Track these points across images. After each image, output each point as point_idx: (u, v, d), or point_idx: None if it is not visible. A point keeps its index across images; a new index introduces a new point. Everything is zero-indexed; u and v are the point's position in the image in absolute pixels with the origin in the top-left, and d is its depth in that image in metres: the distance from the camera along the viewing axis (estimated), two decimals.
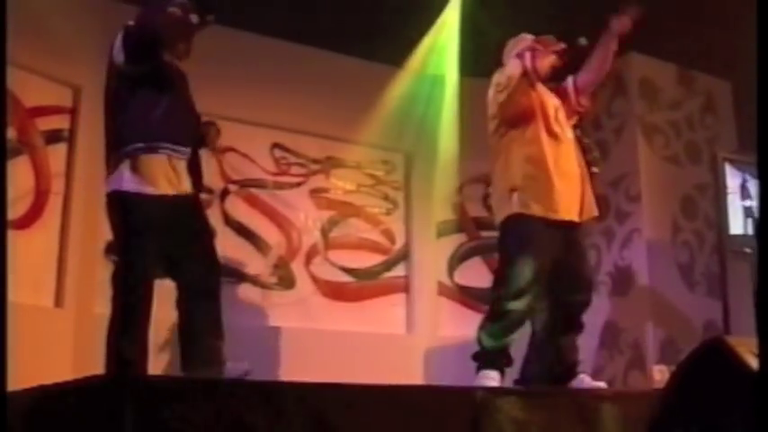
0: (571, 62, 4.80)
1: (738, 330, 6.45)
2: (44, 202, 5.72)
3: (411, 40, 6.81)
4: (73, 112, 5.99)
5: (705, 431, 2.26)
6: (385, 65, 7.10)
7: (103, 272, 5.96)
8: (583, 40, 4.70)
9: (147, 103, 4.06)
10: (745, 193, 6.84)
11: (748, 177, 6.85)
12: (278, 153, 6.87)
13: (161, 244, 3.97)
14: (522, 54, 4.75)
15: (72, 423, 2.90)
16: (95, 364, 4.70)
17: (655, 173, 7.08)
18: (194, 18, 4.12)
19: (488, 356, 4.50)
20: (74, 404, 2.93)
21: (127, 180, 3.95)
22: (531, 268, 4.38)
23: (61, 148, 5.91)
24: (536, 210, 4.45)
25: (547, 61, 4.73)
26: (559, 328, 4.55)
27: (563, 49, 4.76)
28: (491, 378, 4.37)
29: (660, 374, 6.25)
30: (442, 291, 7.32)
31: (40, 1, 5.43)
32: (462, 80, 7.10)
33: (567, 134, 4.69)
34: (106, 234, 6.00)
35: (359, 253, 7.10)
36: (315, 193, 7.01)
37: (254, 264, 6.61)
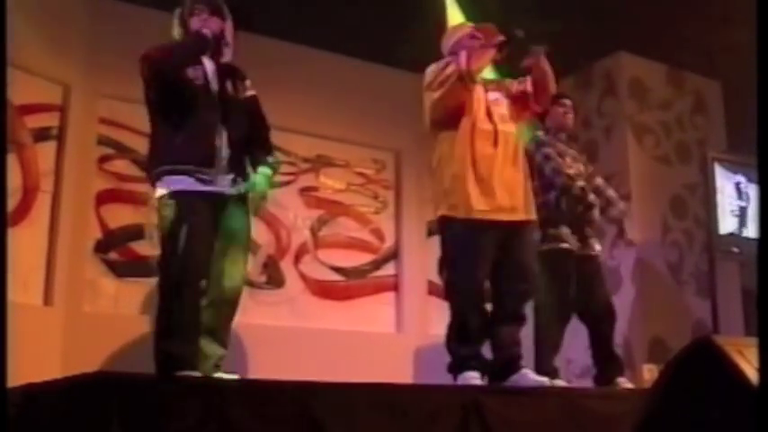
0: (511, 54, 4.57)
1: (727, 329, 6.47)
2: (33, 199, 5.70)
3: (402, 39, 6.80)
4: (62, 110, 5.97)
5: (693, 429, 2.26)
6: (375, 64, 7.10)
7: (93, 270, 5.96)
8: (520, 32, 4.47)
9: (171, 125, 4.09)
10: (739, 194, 6.87)
11: (742, 178, 6.88)
12: None
13: (206, 244, 3.98)
14: (457, 53, 4.53)
15: (60, 421, 2.90)
16: (84, 362, 4.69)
17: (644, 172, 7.10)
18: (210, 29, 4.23)
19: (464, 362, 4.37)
20: (62, 402, 2.93)
21: (167, 182, 4.01)
22: (471, 273, 4.35)
23: (50, 146, 5.89)
24: (462, 212, 4.36)
25: (484, 60, 4.52)
26: (499, 320, 4.42)
27: (502, 41, 4.50)
28: (474, 377, 4.26)
29: (649, 373, 6.26)
30: (432, 290, 7.30)
31: None
32: None
33: (506, 129, 4.53)
34: (95, 232, 6.02)
35: (348, 252, 7.09)
36: (304, 191, 7.00)
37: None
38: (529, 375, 4.29)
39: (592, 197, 5.23)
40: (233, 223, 4.12)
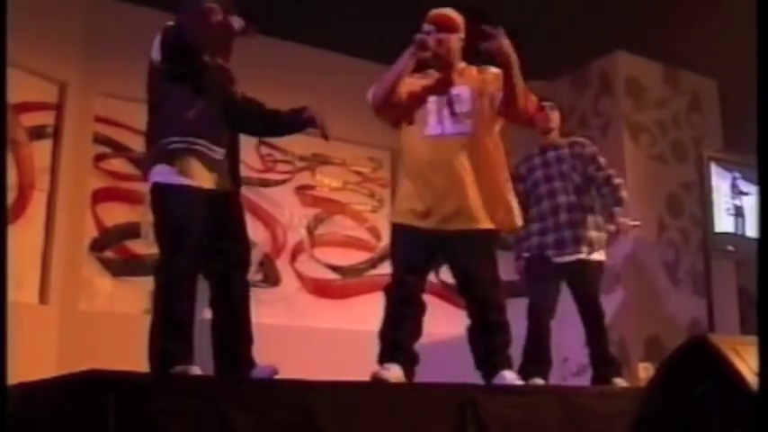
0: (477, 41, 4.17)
1: (723, 327, 6.48)
2: (28, 198, 5.70)
3: (398, 37, 6.79)
4: (58, 108, 5.97)
5: (689, 428, 2.26)
6: (372, 62, 7.09)
7: (88, 269, 5.96)
8: (484, 15, 4.16)
9: (183, 101, 4.00)
10: (735, 192, 6.88)
11: (738, 177, 6.89)
12: (264, 150, 6.86)
13: (199, 237, 3.93)
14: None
15: (56, 419, 2.89)
16: (80, 360, 4.69)
17: (641, 171, 7.10)
18: (237, 23, 4.12)
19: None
20: (57, 400, 2.92)
21: (163, 172, 3.86)
22: (397, 275, 4.30)
23: (46, 144, 5.89)
24: (405, 219, 4.19)
25: (391, 81, 4.18)
26: (470, 326, 4.45)
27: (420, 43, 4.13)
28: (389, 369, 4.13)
29: (645, 372, 6.27)
30: (428, 288, 7.30)
31: None
32: None
33: (462, 130, 4.15)
34: (91, 230, 6.01)
35: (344, 250, 7.09)
36: (301, 190, 7.00)
37: None
38: (508, 376, 4.11)
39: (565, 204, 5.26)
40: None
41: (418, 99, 4.23)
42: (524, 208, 5.37)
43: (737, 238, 6.84)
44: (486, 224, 4.11)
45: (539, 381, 4.98)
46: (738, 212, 6.88)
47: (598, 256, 5.28)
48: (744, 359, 2.20)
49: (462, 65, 4.31)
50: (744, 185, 6.90)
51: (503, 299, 4.26)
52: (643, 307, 6.73)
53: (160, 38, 4.14)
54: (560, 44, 6.78)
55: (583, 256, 5.18)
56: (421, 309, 4.42)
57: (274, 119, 4.30)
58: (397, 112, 4.27)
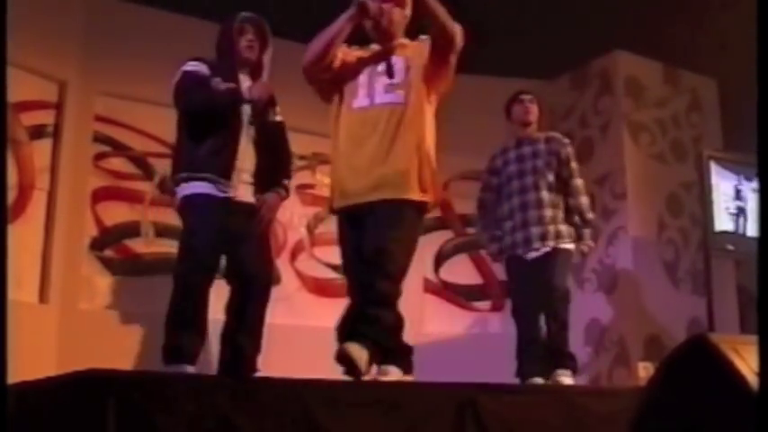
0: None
1: (722, 327, 6.48)
2: (28, 197, 5.70)
3: None
4: (58, 107, 5.97)
5: (689, 428, 2.26)
6: None
7: (88, 268, 5.96)
8: None
9: (197, 137, 4.36)
10: (736, 192, 6.88)
11: (739, 177, 6.88)
12: None
13: (213, 244, 4.21)
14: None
15: (55, 418, 2.89)
16: (79, 359, 4.68)
17: (640, 171, 7.10)
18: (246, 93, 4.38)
19: None
20: (57, 399, 2.92)
21: (182, 189, 4.34)
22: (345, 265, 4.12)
23: (46, 144, 5.89)
24: (341, 202, 4.03)
25: (320, 46, 4.01)
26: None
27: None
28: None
29: (645, 371, 6.27)
30: (428, 287, 7.32)
31: None
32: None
33: (392, 98, 3.98)
34: (91, 229, 6.01)
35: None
36: (301, 189, 6.99)
37: None
38: (389, 370, 3.94)
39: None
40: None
41: (351, 70, 4.08)
42: (494, 202, 5.52)
43: (737, 237, 6.84)
44: (410, 195, 3.90)
45: (538, 380, 4.97)
46: (740, 213, 6.88)
47: (565, 245, 5.28)
48: (744, 359, 2.20)
49: (404, 40, 4.16)
50: (746, 187, 6.89)
51: (400, 275, 3.94)
52: (643, 306, 6.73)
53: (174, 84, 4.51)
54: (560, 43, 6.78)
55: (548, 249, 5.22)
56: None
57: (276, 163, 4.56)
58: (328, 78, 4.08)
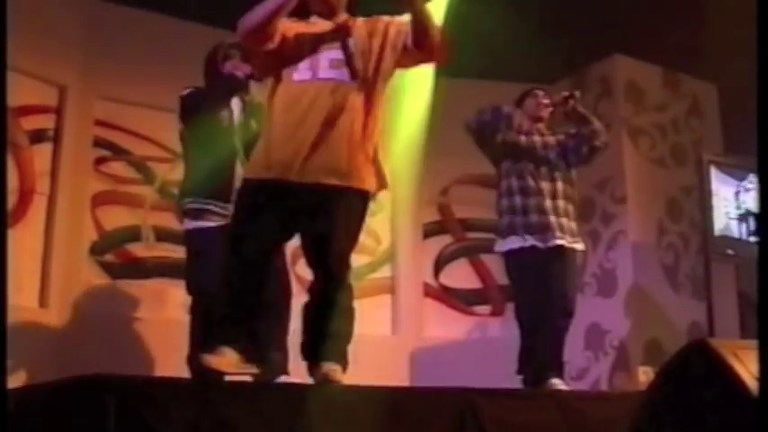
0: None
1: (722, 331, 6.48)
2: (29, 201, 5.70)
3: None
4: (58, 112, 5.97)
5: None
6: None
7: (88, 272, 5.96)
8: None
9: (195, 161, 4.54)
10: (738, 199, 6.89)
11: (739, 181, 6.89)
12: None
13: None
14: None
15: (55, 423, 2.89)
16: (79, 364, 4.68)
17: (640, 175, 7.10)
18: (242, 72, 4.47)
19: None
20: (57, 404, 2.92)
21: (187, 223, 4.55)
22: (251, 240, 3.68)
23: (46, 148, 5.89)
24: (260, 173, 3.71)
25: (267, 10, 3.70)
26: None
27: None
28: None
29: (645, 376, 6.26)
30: (428, 292, 7.32)
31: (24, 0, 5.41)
32: (449, 81, 7.10)
33: (336, 75, 3.76)
34: (91, 234, 6.01)
35: None
36: None
37: None
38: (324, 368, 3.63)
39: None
40: None
41: (294, 45, 3.80)
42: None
43: (737, 241, 6.85)
44: (355, 183, 3.72)
45: (557, 381, 4.91)
46: (741, 218, 6.89)
47: (578, 245, 5.20)
48: (744, 363, 2.20)
49: (345, 16, 3.92)
50: (746, 191, 6.90)
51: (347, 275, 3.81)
52: (643, 311, 6.73)
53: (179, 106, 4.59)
54: (560, 48, 6.78)
55: (563, 243, 5.08)
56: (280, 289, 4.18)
57: None
58: (268, 52, 3.77)
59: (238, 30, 3.74)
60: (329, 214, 3.66)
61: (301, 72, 3.75)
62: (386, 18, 3.88)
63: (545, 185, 5.15)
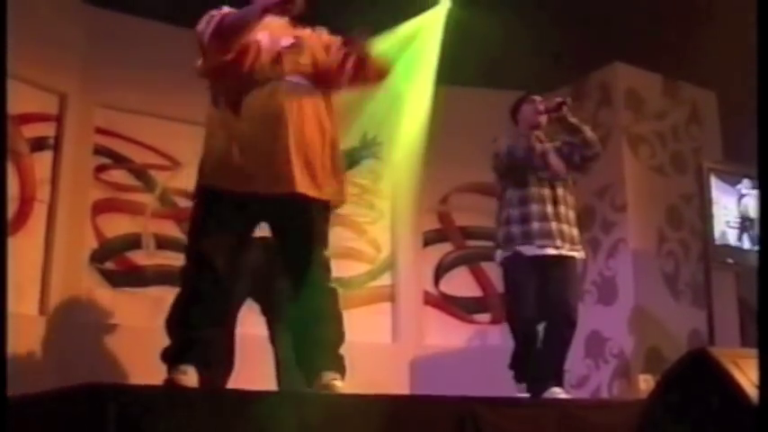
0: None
1: (723, 339, 6.47)
2: (29, 209, 5.70)
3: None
4: (59, 120, 5.97)
5: None
6: None
7: (89, 280, 5.95)
8: None
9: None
10: (738, 207, 6.89)
11: (739, 188, 6.89)
12: None
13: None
14: None
15: (56, 431, 2.89)
16: (79, 372, 4.67)
17: (640, 183, 7.10)
18: None
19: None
20: (57, 412, 2.92)
21: None
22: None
23: (47, 156, 5.89)
24: (218, 181, 3.64)
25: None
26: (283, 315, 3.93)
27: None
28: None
29: (645, 384, 6.25)
30: (428, 300, 7.31)
31: (25, 7, 5.41)
32: (449, 89, 7.11)
33: (298, 79, 3.78)
34: (91, 242, 6.01)
35: (345, 262, 7.07)
36: None
37: None
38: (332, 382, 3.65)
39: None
40: None
41: (253, 52, 3.74)
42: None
43: (737, 249, 6.85)
44: (325, 194, 3.75)
45: (558, 390, 4.90)
46: (741, 226, 6.89)
47: (579, 253, 5.20)
48: (744, 372, 2.20)
49: (301, 27, 3.96)
50: (746, 199, 6.91)
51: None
52: (643, 318, 6.72)
53: None
54: (559, 55, 6.79)
55: (566, 252, 5.08)
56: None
57: None
58: (227, 57, 3.69)
59: (203, 33, 3.68)
60: (307, 224, 3.70)
61: (263, 80, 3.70)
62: (333, 37, 3.95)
63: (546, 192, 5.14)
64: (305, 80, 3.79)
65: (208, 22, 3.69)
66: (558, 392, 4.87)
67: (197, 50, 3.81)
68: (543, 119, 5.31)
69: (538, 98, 5.38)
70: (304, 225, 3.69)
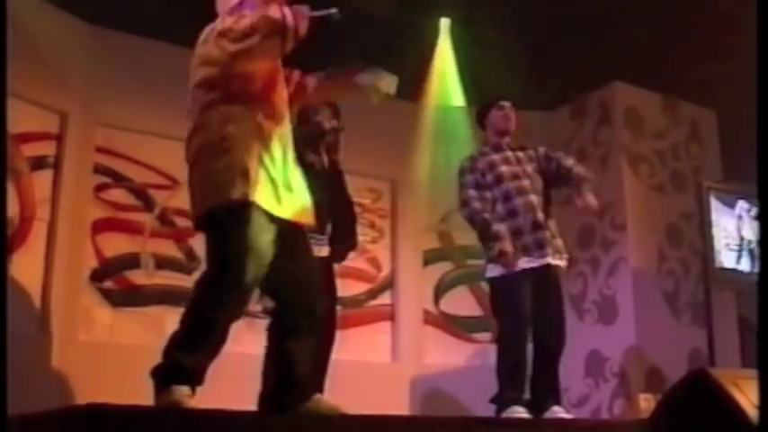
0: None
1: (723, 358, 6.46)
2: (29, 228, 5.70)
3: (396, 69, 6.80)
4: (59, 139, 5.98)
5: None
6: None
7: (88, 299, 5.95)
8: (337, 14, 3.66)
9: None
10: (738, 228, 6.89)
11: (742, 212, 6.90)
12: None
13: None
14: (274, 3, 3.63)
15: None
16: (79, 391, 4.67)
17: (640, 202, 7.11)
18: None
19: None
20: None
21: None
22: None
23: (47, 175, 5.89)
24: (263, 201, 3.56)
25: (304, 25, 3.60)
26: (290, 337, 3.73)
27: (314, 17, 3.65)
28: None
29: (646, 403, 6.24)
30: (428, 319, 7.30)
31: (26, 27, 5.43)
32: (448, 108, 7.13)
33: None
34: (91, 261, 6.01)
35: (344, 281, 7.04)
36: None
37: None
38: (322, 402, 3.67)
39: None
40: None
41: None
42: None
43: (737, 273, 6.85)
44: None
45: (558, 408, 4.87)
46: (741, 247, 6.89)
47: (564, 262, 5.15)
48: (744, 393, 2.20)
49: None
50: (746, 219, 6.92)
51: None
52: (643, 337, 6.72)
53: None
54: (559, 75, 6.80)
55: (555, 262, 5.03)
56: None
57: None
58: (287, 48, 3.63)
59: (287, 20, 3.55)
60: (307, 252, 3.75)
61: (276, 104, 3.70)
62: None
63: (533, 198, 5.07)
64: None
65: (289, 13, 3.57)
66: (558, 411, 4.84)
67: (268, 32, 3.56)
68: (512, 125, 5.26)
69: (507, 103, 5.31)
70: (305, 253, 3.76)
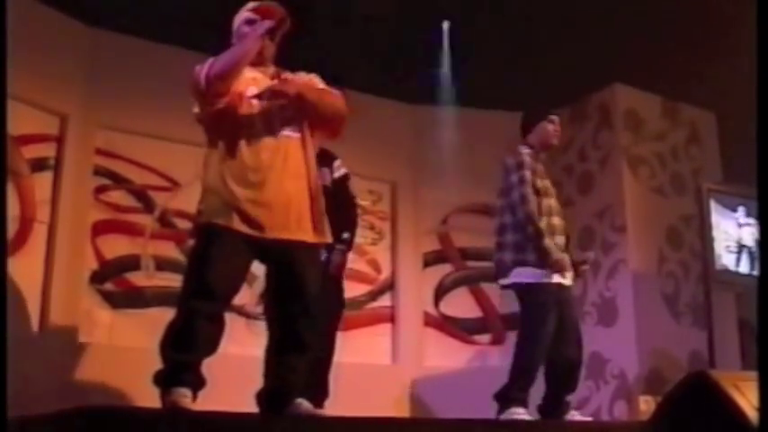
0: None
1: (723, 360, 6.46)
2: (29, 230, 5.70)
3: (400, 71, 6.82)
4: (59, 141, 5.98)
5: None
6: (371, 95, 7.10)
7: (88, 301, 5.95)
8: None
9: None
10: (738, 230, 6.90)
11: (741, 214, 6.90)
12: None
13: None
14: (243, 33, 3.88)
15: None
16: (79, 393, 4.67)
17: (640, 204, 7.11)
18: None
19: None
20: None
21: None
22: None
23: (47, 177, 5.90)
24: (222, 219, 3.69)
25: (239, 56, 3.79)
26: (279, 346, 3.81)
27: (273, 25, 3.82)
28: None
29: (646, 405, 6.24)
30: (428, 321, 7.31)
31: (26, 29, 5.43)
32: (449, 110, 7.13)
33: (290, 131, 3.88)
34: (91, 263, 6.01)
35: (344, 283, 7.08)
36: None
37: (240, 293, 6.57)
38: (304, 405, 3.73)
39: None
40: None
41: (238, 102, 3.82)
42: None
43: (737, 275, 6.85)
44: (319, 237, 3.85)
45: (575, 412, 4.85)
46: (740, 249, 6.89)
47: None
48: (744, 394, 2.20)
49: (273, 68, 4.02)
50: (746, 222, 6.92)
51: None
52: (643, 340, 6.71)
53: None
54: (559, 77, 6.80)
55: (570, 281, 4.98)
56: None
57: None
58: (218, 108, 3.78)
59: (198, 78, 3.74)
60: (303, 267, 3.76)
61: (255, 127, 3.78)
62: (304, 75, 4.02)
63: (556, 221, 4.95)
64: (291, 128, 3.88)
65: (201, 68, 3.77)
66: (576, 414, 4.83)
67: (193, 98, 3.83)
68: (557, 141, 5.13)
69: (557, 118, 5.12)
70: (302, 268, 3.77)
